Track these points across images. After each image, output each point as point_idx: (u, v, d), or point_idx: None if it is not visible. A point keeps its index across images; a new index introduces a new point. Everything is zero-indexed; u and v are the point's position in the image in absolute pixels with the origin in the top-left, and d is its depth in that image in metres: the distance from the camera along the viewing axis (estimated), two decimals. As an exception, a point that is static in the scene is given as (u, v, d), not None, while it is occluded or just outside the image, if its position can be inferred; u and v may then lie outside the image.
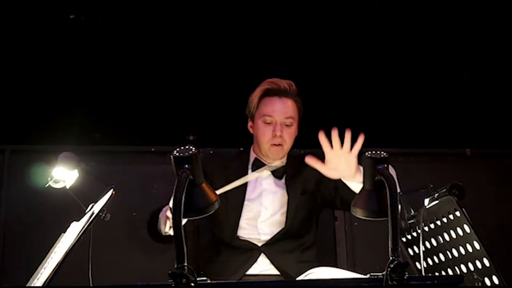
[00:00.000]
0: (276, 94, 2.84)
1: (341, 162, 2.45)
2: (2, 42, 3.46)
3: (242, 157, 2.94)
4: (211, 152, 3.26)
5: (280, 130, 2.80)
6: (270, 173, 2.88)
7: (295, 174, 2.88)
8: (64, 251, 2.08)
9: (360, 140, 2.43)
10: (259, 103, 2.87)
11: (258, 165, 2.87)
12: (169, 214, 2.55)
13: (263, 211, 2.81)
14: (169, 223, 2.57)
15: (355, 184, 2.52)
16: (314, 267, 2.73)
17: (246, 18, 3.59)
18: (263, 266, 2.73)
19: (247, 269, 2.71)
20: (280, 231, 2.78)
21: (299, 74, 3.65)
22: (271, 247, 2.75)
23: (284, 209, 2.82)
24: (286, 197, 2.85)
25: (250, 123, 2.93)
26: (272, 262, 2.73)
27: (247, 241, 2.76)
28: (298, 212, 2.82)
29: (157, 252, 3.24)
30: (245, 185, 2.79)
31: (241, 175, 2.76)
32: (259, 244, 2.76)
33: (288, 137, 2.85)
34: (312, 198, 2.86)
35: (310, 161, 2.49)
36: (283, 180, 2.89)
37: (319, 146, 3.19)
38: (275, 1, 3.53)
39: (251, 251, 2.74)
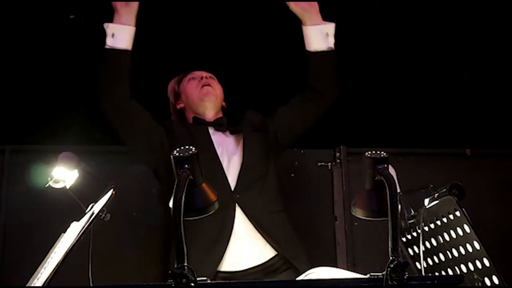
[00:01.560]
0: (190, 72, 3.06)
1: None
2: (2, 42, 3.46)
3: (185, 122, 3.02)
4: None
5: (205, 74, 3.00)
6: (214, 128, 2.93)
7: (240, 120, 2.99)
8: (64, 251, 2.08)
9: None
10: (179, 83, 3.06)
11: (198, 121, 2.94)
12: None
13: (223, 163, 2.81)
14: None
15: (320, 30, 2.81)
16: (284, 219, 2.75)
17: (247, 19, 3.59)
18: (239, 223, 2.69)
19: (223, 228, 2.66)
20: (240, 167, 2.78)
21: (299, 74, 3.66)
22: (244, 196, 2.72)
23: (240, 152, 2.85)
24: (236, 144, 2.88)
25: (177, 104, 3.05)
26: (247, 214, 2.69)
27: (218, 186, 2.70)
28: (254, 146, 2.85)
29: (157, 252, 3.24)
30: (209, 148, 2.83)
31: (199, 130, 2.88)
32: (232, 188, 2.73)
33: (216, 85, 3.01)
34: (263, 137, 2.92)
35: None
36: (228, 133, 2.95)
37: (320, 146, 3.21)
38: (274, 1, 3.53)
39: (224, 204, 2.64)
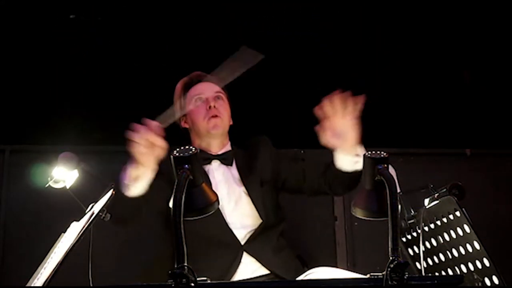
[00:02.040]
0: (198, 81, 2.90)
1: (346, 126, 2.48)
2: (2, 42, 3.46)
3: None
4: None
5: (213, 101, 2.83)
6: (219, 162, 2.85)
7: (248, 165, 2.87)
8: (64, 251, 2.08)
9: (359, 100, 2.48)
10: (186, 95, 2.89)
11: (204, 156, 2.83)
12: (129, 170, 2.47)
13: (225, 205, 2.74)
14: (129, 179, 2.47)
15: (350, 159, 2.56)
16: (289, 255, 2.75)
17: (247, 25, 3.59)
18: (247, 265, 2.66)
19: (234, 273, 2.63)
20: (259, 225, 2.71)
21: (299, 74, 3.66)
22: (252, 244, 2.68)
23: (247, 199, 2.77)
24: (243, 187, 2.80)
25: (183, 121, 2.92)
26: (253, 256, 2.66)
27: (224, 242, 2.67)
28: (267, 204, 2.78)
29: (157, 252, 3.24)
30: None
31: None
32: (241, 243, 2.68)
33: (223, 109, 2.86)
34: (272, 188, 2.84)
35: (320, 129, 2.48)
36: (234, 168, 2.86)
37: (320, 146, 3.18)
38: (270, 1, 3.54)
39: (232, 251, 2.66)
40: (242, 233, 2.71)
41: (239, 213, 2.75)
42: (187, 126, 2.93)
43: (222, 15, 3.59)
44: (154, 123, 2.42)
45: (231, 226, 2.70)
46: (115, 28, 3.53)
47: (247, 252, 2.67)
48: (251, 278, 2.64)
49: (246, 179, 2.83)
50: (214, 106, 2.83)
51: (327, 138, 2.49)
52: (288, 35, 3.60)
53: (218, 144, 2.88)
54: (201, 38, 3.62)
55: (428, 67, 3.76)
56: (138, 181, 2.48)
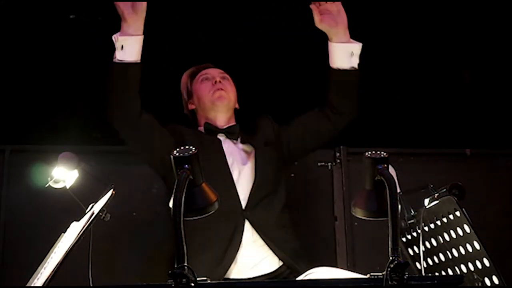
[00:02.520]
0: (204, 68, 3.00)
1: (337, 7, 2.76)
2: (2, 42, 3.46)
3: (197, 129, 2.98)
4: None
5: (219, 78, 2.92)
6: (225, 136, 2.89)
7: (253, 130, 2.93)
8: (64, 251, 2.09)
9: None
10: (192, 80, 2.99)
11: (210, 128, 2.88)
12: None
13: (234, 175, 2.77)
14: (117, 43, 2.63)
15: (344, 50, 2.75)
16: (291, 234, 2.75)
17: (260, 16, 3.59)
18: (248, 236, 2.67)
19: (232, 240, 2.64)
20: (252, 185, 2.74)
21: (299, 73, 3.66)
22: (253, 212, 2.70)
23: (250, 170, 2.80)
24: (247, 154, 2.85)
25: (189, 103, 2.99)
26: (255, 228, 2.68)
27: (227, 208, 2.63)
28: (266, 163, 2.81)
29: (157, 252, 3.24)
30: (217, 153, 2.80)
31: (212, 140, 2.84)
32: (243, 207, 2.70)
33: (229, 85, 2.94)
34: (276, 151, 2.88)
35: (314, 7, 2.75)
36: (239, 142, 2.91)
37: (320, 146, 3.19)
38: (270, 1, 3.53)
39: (234, 219, 2.68)
40: (244, 202, 2.72)
41: (243, 182, 2.76)
42: (193, 107, 2.98)
43: (222, 15, 3.58)
44: None
45: (240, 196, 2.72)
46: (115, 28, 3.52)
47: (249, 221, 2.68)
48: (257, 277, 2.65)
49: (251, 139, 2.88)
50: (220, 82, 2.90)
51: (321, 20, 2.74)
52: (288, 35, 3.60)
53: (224, 118, 2.93)
54: (201, 38, 3.61)
55: (428, 67, 3.76)
56: (125, 35, 2.62)
